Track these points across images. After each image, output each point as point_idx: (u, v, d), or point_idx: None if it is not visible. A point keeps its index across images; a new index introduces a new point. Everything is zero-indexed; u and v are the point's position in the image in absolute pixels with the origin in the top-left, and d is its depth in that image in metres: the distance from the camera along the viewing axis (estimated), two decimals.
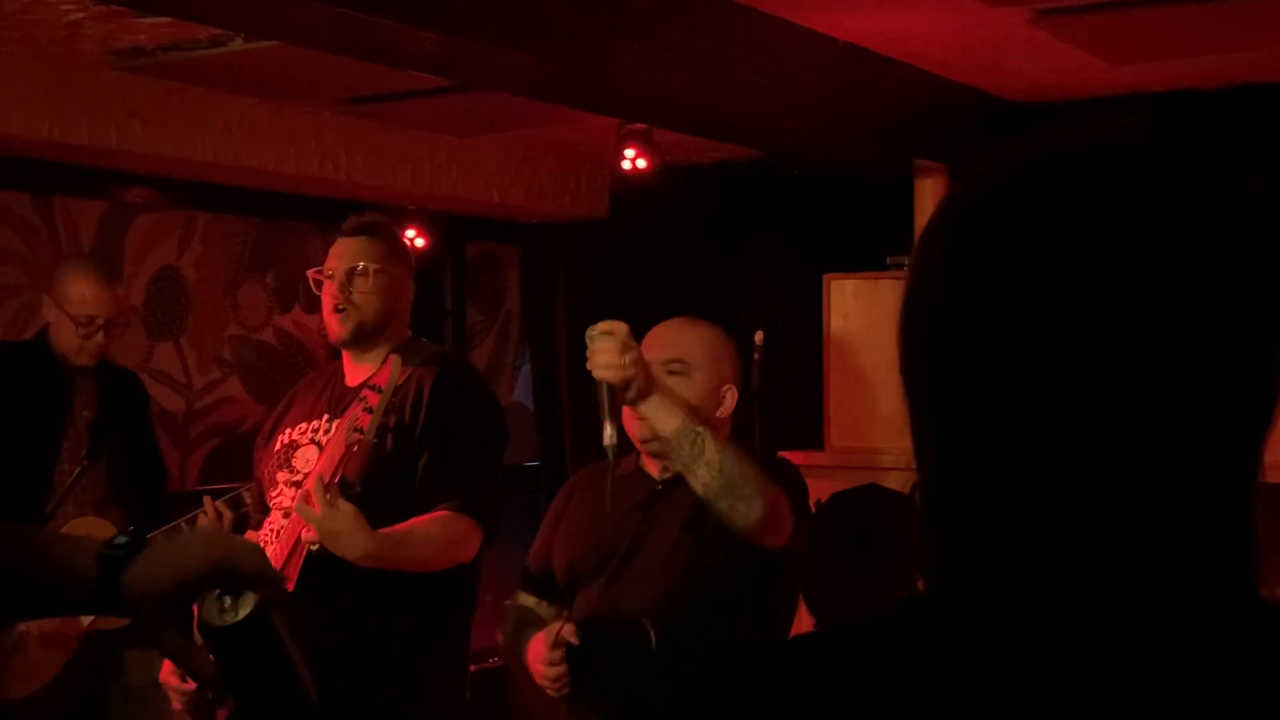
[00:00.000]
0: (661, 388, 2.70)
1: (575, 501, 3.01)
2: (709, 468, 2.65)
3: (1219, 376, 0.79)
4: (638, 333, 2.74)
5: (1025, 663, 0.78)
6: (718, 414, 2.88)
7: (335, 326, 3.12)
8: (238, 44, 3.81)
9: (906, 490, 2.99)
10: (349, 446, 2.81)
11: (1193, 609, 0.79)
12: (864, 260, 4.95)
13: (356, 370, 3.15)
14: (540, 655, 2.77)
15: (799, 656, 0.85)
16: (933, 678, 0.79)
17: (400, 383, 2.93)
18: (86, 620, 3.66)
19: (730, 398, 2.91)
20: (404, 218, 5.54)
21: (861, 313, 4.88)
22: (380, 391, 2.82)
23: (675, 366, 2.84)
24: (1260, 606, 0.81)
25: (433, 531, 2.95)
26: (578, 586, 2.86)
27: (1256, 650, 0.79)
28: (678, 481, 2.80)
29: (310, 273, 3.20)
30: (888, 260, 4.92)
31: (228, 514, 3.59)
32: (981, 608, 0.82)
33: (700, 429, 2.68)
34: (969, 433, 0.83)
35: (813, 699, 0.81)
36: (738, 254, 5.63)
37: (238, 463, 3.97)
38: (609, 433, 2.66)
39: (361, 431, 2.79)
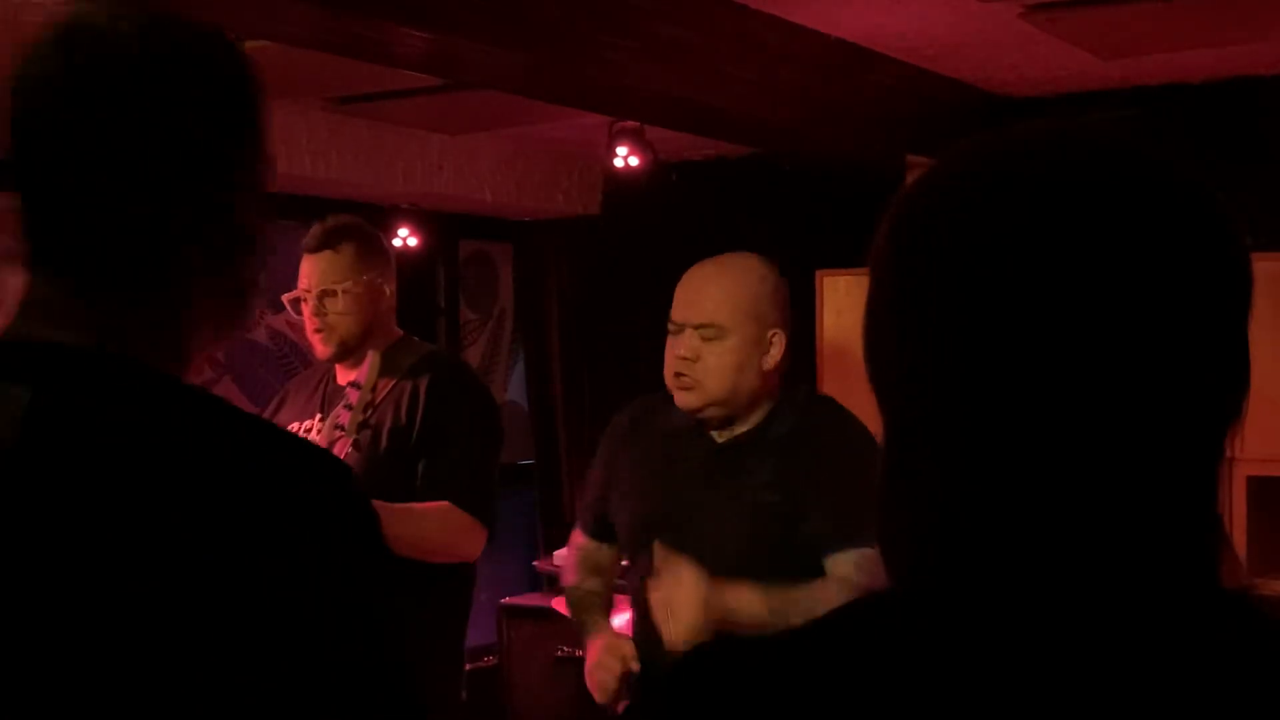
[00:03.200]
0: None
1: (630, 453, 2.81)
2: (785, 618, 2.38)
3: (1180, 366, 0.79)
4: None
5: (987, 653, 0.78)
6: (765, 366, 2.67)
7: (318, 347, 3.11)
8: None
9: None
10: (330, 444, 2.80)
11: (1155, 599, 0.79)
12: (857, 256, 4.88)
13: (347, 371, 3.15)
14: (599, 668, 2.65)
15: (766, 651, 0.84)
16: (899, 670, 0.79)
17: (380, 379, 2.92)
18: None
19: (777, 344, 2.71)
20: (396, 217, 5.54)
21: (855, 308, 4.85)
22: (359, 388, 2.82)
23: (707, 333, 2.65)
24: (1222, 596, 0.81)
25: (429, 515, 2.93)
26: (636, 548, 2.72)
27: (1216, 640, 0.79)
28: (736, 446, 2.66)
29: (285, 298, 3.18)
30: None
31: None
32: (942, 598, 0.81)
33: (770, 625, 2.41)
34: (930, 425, 0.83)
35: (780, 693, 0.81)
36: (730, 250, 5.62)
37: None
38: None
39: (342, 428, 2.79)
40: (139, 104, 1.08)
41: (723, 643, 0.86)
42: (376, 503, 2.91)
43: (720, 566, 2.50)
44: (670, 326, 2.71)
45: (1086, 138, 0.83)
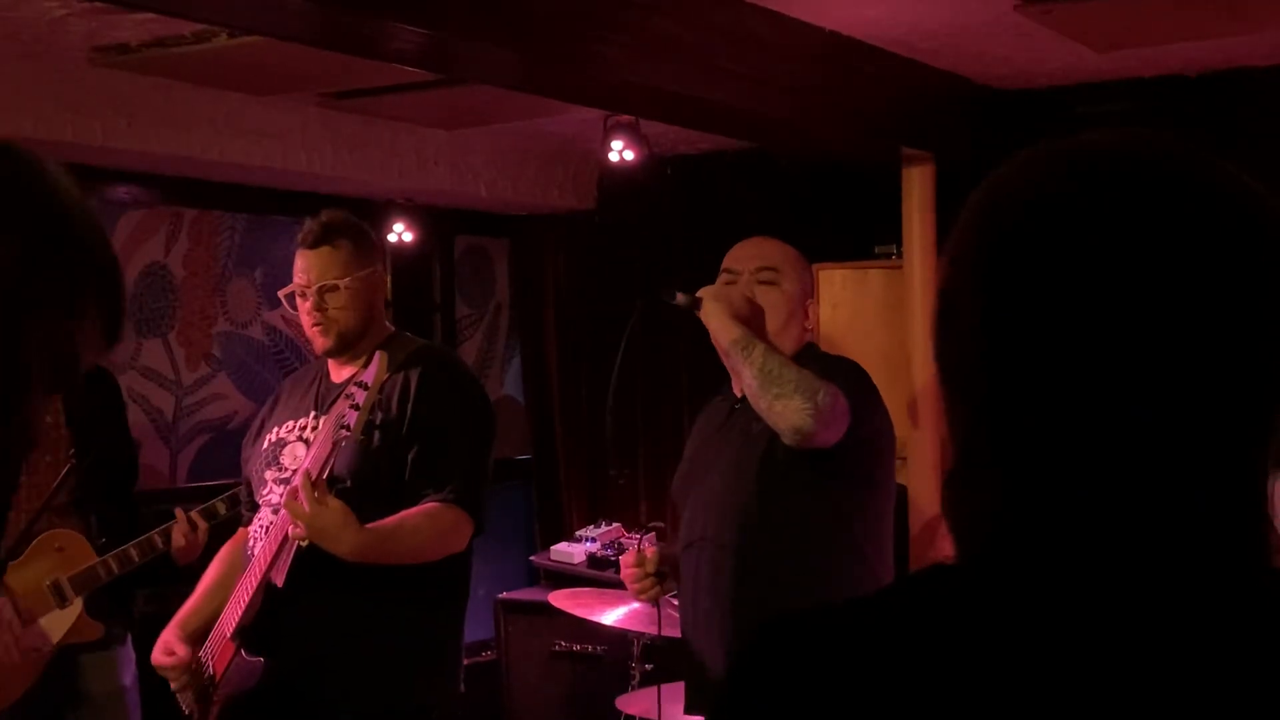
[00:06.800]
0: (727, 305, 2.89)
1: (694, 427, 3.21)
2: (752, 367, 2.79)
3: (1240, 359, 0.84)
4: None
5: (1051, 633, 0.83)
6: (805, 324, 3.04)
7: (318, 339, 3.12)
8: (222, 40, 3.80)
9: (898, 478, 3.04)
10: (336, 443, 2.81)
11: (1214, 584, 0.84)
12: (852, 249, 4.95)
13: (341, 368, 3.15)
14: (629, 575, 3.12)
15: (836, 622, 0.89)
16: (961, 643, 0.83)
17: (386, 379, 2.92)
18: (57, 635, 3.59)
19: (814, 311, 3.07)
20: (391, 212, 5.54)
21: (850, 302, 4.88)
22: (367, 388, 2.81)
23: (767, 275, 3.01)
24: (1273, 577, 0.86)
25: (422, 524, 2.95)
26: (678, 498, 3.11)
27: (1269, 620, 0.83)
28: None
29: (282, 294, 3.19)
30: (876, 249, 4.92)
31: (202, 524, 3.56)
32: (1012, 578, 0.86)
33: (755, 341, 2.83)
34: (1001, 414, 0.88)
35: (853, 664, 0.85)
36: (726, 244, 5.62)
37: (228, 459, 3.96)
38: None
39: (349, 428, 2.79)
40: None
41: (800, 612, 0.90)
42: (370, 525, 2.92)
43: (726, 488, 2.91)
44: (725, 276, 3.06)
45: (1154, 146, 0.89)
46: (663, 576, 3.10)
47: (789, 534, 2.87)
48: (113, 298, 1.14)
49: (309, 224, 3.15)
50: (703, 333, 2.98)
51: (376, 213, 5.34)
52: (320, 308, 3.08)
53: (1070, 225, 0.86)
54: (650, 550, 3.13)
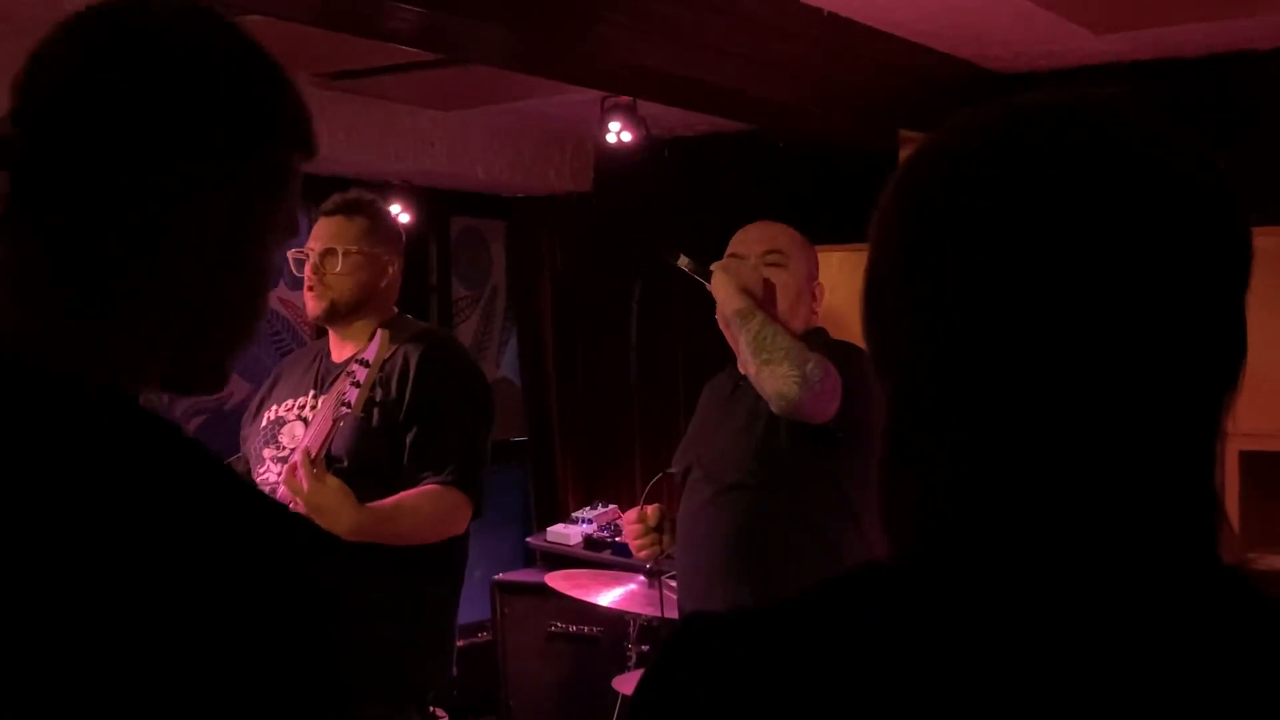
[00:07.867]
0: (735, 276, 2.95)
1: (697, 409, 3.23)
2: (747, 334, 2.82)
3: (1181, 339, 0.79)
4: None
5: (984, 629, 0.78)
6: (814, 307, 3.07)
7: (309, 304, 3.14)
8: None
9: None
10: (335, 421, 2.81)
11: (1154, 574, 0.79)
12: (850, 232, 4.92)
13: (342, 347, 3.16)
14: (631, 532, 3.17)
15: (759, 623, 0.84)
16: (896, 644, 0.79)
17: (387, 357, 2.93)
18: None
19: (820, 293, 3.09)
20: (388, 193, 5.52)
21: (847, 284, 4.86)
22: (368, 366, 2.81)
23: (774, 258, 3.03)
24: (1219, 571, 0.81)
25: (420, 505, 2.95)
26: (681, 469, 3.12)
27: (1214, 616, 0.79)
28: None
29: (291, 252, 3.20)
30: None
31: None
32: (940, 571, 0.81)
33: (757, 312, 2.87)
34: (929, 398, 0.83)
35: (773, 665, 0.81)
36: (724, 227, 5.61)
37: (224, 440, 3.95)
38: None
39: (349, 406, 2.79)
40: (143, 86, 1.07)
41: (719, 613, 0.86)
42: (369, 505, 2.92)
43: (729, 452, 2.94)
44: (732, 261, 3.08)
45: (1090, 109, 0.83)
46: (663, 530, 3.12)
47: (787, 505, 2.87)
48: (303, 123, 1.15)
49: (334, 195, 3.21)
50: (700, 311, 2.98)
51: (373, 194, 5.32)
52: (318, 270, 3.10)
53: (984, 191, 0.80)
54: (651, 508, 3.15)
